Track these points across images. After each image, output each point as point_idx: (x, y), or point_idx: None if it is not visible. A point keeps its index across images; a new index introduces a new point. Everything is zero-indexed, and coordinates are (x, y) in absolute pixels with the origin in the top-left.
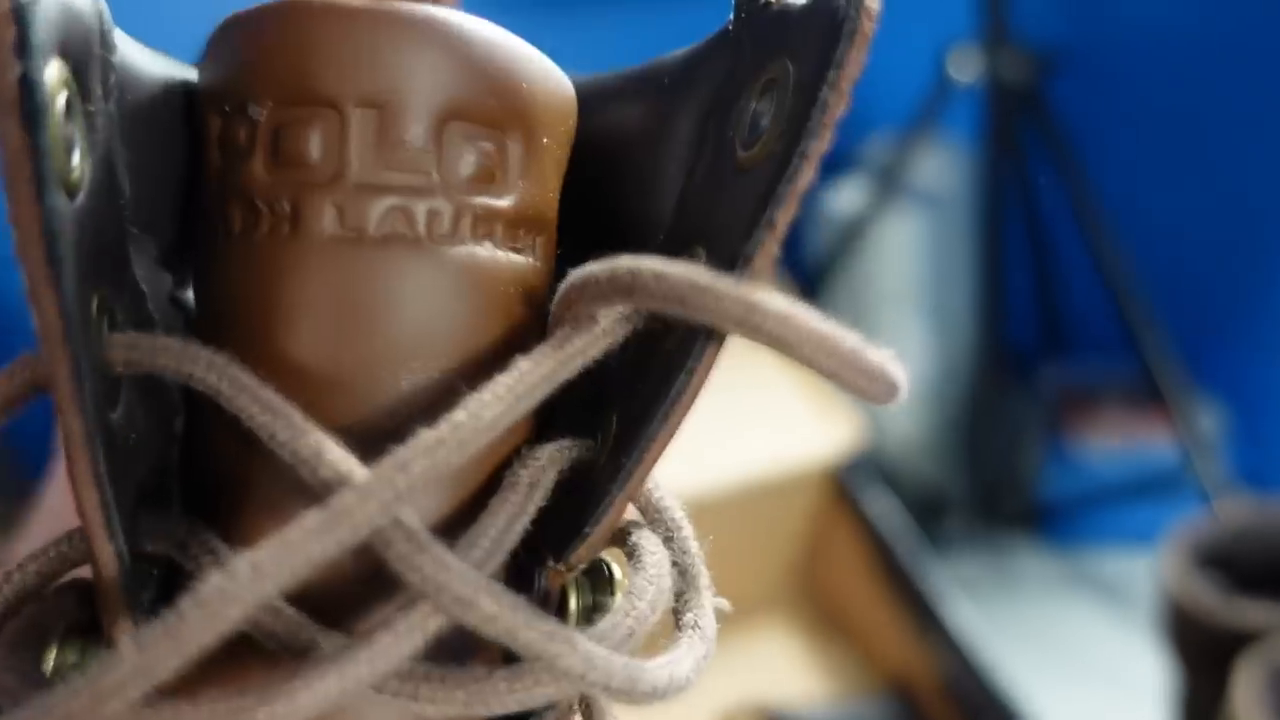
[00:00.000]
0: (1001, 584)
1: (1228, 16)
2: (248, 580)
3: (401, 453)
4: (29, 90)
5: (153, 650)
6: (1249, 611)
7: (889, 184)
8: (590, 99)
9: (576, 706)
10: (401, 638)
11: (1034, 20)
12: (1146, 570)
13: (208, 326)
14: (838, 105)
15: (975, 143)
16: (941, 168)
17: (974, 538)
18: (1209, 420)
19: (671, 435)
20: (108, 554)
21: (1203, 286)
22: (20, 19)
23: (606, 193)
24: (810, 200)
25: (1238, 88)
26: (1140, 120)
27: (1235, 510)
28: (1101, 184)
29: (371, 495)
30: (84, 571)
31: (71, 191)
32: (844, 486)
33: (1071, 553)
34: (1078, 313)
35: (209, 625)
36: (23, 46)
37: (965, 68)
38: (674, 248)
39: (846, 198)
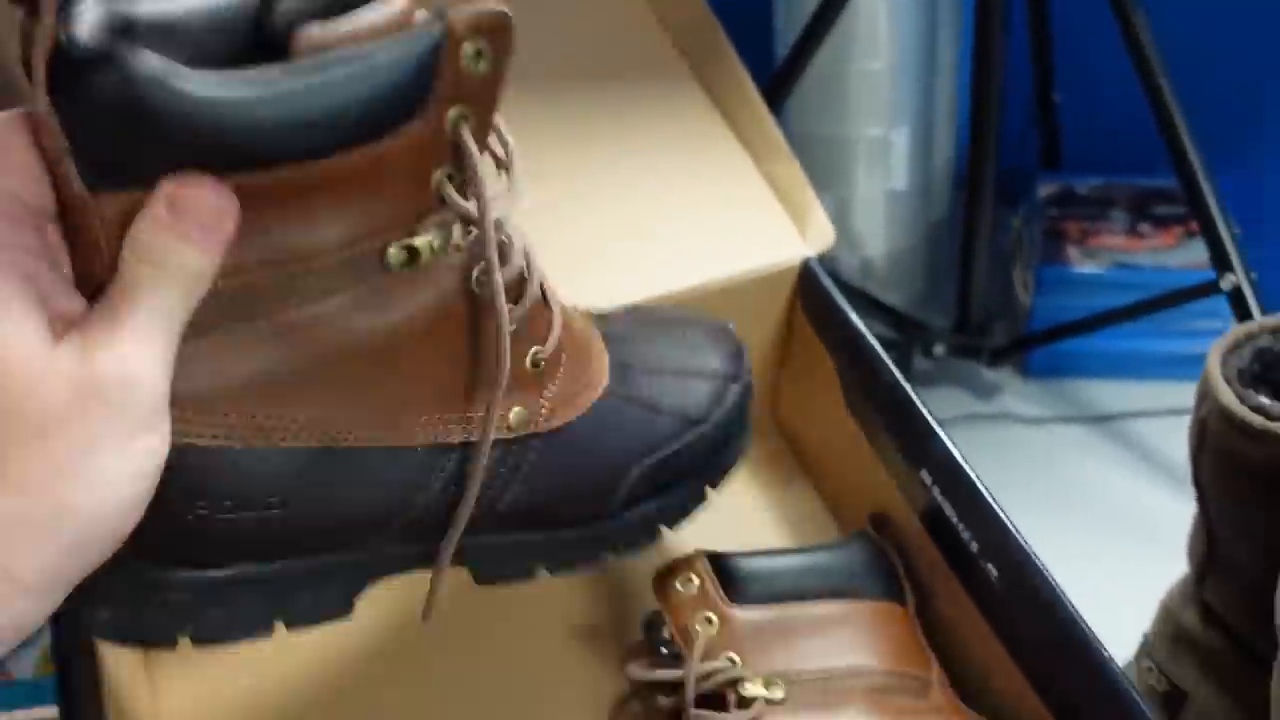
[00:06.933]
0: (986, 420)
1: None
2: None
3: None
4: None
5: None
6: None
7: None
8: None
9: None
10: None
11: None
12: (1143, 401)
13: None
14: None
15: None
16: None
17: (955, 370)
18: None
19: None
20: None
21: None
22: None
23: None
24: None
25: None
26: None
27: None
28: None
29: None
30: None
31: None
32: (814, 293)
33: (1063, 385)
34: (1080, 120)
35: None
36: None
37: None
38: None
39: None
